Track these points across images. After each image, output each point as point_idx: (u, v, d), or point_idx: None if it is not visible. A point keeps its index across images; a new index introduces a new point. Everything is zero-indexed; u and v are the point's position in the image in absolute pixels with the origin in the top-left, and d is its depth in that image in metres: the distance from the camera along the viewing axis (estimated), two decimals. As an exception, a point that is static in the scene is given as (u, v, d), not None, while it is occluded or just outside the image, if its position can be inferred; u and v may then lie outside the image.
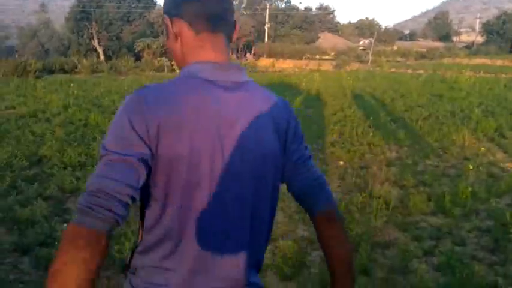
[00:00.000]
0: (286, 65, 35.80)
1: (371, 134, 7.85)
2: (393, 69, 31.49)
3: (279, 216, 4.27)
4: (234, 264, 1.00)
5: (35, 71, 19.56)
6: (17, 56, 26.96)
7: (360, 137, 7.87)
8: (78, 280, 0.79)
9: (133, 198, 0.88)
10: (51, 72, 24.42)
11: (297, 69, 31.54)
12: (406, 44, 57.64)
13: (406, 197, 4.78)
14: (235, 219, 1.00)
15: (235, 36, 1.09)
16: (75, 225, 0.83)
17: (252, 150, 0.99)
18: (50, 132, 6.74)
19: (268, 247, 3.62)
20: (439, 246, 3.72)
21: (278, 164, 1.05)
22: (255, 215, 1.02)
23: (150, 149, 0.90)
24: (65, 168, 5.17)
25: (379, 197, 4.61)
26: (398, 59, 43.24)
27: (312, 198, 1.12)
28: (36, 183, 4.49)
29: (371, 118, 8.53)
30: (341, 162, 4.66)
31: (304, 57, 38.79)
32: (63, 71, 25.61)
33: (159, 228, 0.96)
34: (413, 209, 4.49)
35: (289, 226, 4.03)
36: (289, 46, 41.70)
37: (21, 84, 15.02)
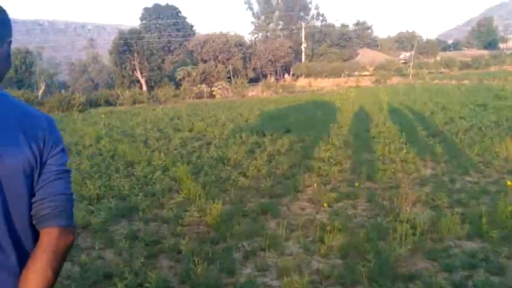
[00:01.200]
0: (324, 83, 35.41)
1: (405, 151, 7.39)
2: (436, 81, 30.29)
3: (293, 247, 3.99)
4: None
5: (79, 105, 20.40)
6: (70, 91, 28.34)
7: (393, 154, 7.44)
8: None
9: None
10: (97, 105, 25.46)
11: (335, 87, 31.09)
12: (450, 54, 55.60)
13: (437, 219, 4.34)
14: None
15: None
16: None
17: None
18: (76, 166, 6.84)
19: (275, 282, 3.39)
20: (472, 277, 3.29)
21: (30, 174, 1.11)
22: (11, 226, 1.08)
23: None
24: (81, 201, 5.16)
25: (406, 221, 4.22)
26: (442, 70, 41.68)
27: (40, 213, 1.12)
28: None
29: (403, 133, 8.06)
30: (357, 184, 4.31)
31: (342, 75, 38.25)
32: (108, 103, 26.62)
33: None
34: (445, 233, 4.06)
35: (303, 258, 3.73)
36: (327, 64, 41.32)
37: (64, 119, 15.67)
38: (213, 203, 4.91)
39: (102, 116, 13.96)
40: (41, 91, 25.98)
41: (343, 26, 53.78)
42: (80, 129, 12.39)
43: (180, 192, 5.63)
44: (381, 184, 5.81)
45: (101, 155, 8.08)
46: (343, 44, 50.29)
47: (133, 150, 8.18)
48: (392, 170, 6.39)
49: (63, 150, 1.19)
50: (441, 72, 39.44)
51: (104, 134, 10.58)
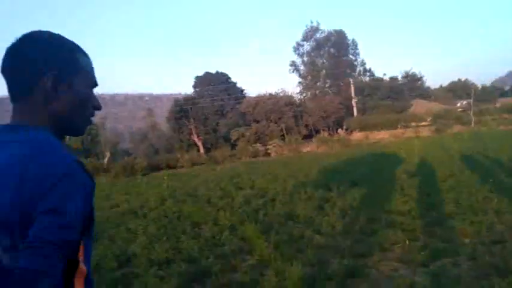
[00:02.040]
0: (381, 135, 34.44)
1: (496, 200, 6.58)
2: (501, 127, 28.57)
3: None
4: None
5: (142, 169, 21.01)
6: (133, 157, 29.46)
7: (482, 204, 6.63)
8: None
9: None
10: (159, 169, 26.17)
11: (392, 139, 30.09)
12: (510, 100, 52.81)
13: None
14: None
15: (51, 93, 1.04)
16: None
17: None
18: (143, 229, 6.65)
19: None
20: None
21: (10, 229, 0.89)
22: None
23: None
24: (151, 266, 4.85)
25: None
26: (505, 116, 39.40)
27: None
28: (119, 287, 4.18)
29: (491, 180, 7.24)
30: (467, 240, 3.67)
31: (399, 126, 37.11)
32: (169, 166, 27.30)
33: None
34: None
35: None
36: (382, 116, 40.46)
37: (129, 183, 15.98)
38: (291, 265, 4.44)
39: (165, 178, 14.10)
40: (106, 159, 27.19)
41: (392, 79, 53.20)
42: (144, 191, 12.47)
43: (253, 253, 5.20)
44: (480, 238, 5.06)
45: (166, 217, 7.89)
46: (395, 96, 49.48)
47: (199, 210, 7.94)
48: (489, 221, 5.62)
49: (55, 210, 0.86)
50: (505, 118, 37.28)
51: (167, 196, 10.51)
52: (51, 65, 1.02)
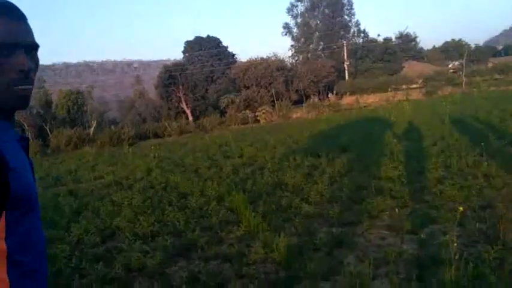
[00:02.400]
0: (371, 99, 34.28)
1: (486, 164, 6.51)
2: (492, 88, 28.52)
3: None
4: None
5: (129, 139, 20.69)
6: (119, 126, 29.07)
7: (472, 168, 6.58)
8: None
9: None
10: (146, 138, 25.89)
11: (383, 103, 29.98)
12: (503, 60, 52.60)
13: (558, 245, 3.53)
14: None
15: None
16: None
17: None
18: (128, 201, 6.52)
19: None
20: None
21: None
22: None
23: None
24: (135, 240, 4.75)
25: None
26: (496, 76, 39.30)
27: None
28: (101, 263, 4.07)
29: (482, 144, 7.15)
30: (461, 208, 3.58)
31: (389, 89, 36.90)
32: (157, 135, 27.02)
33: None
34: None
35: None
36: (372, 80, 40.17)
37: (115, 153, 15.77)
38: (279, 236, 4.35)
39: (152, 147, 13.91)
40: (92, 128, 26.78)
41: (386, 40, 52.50)
42: (130, 162, 12.30)
43: (240, 224, 5.11)
44: (469, 204, 5.01)
45: (153, 188, 7.76)
46: (388, 58, 48.97)
47: (185, 181, 7.81)
48: (478, 186, 5.56)
49: None
50: (496, 79, 37.19)
51: (154, 166, 10.36)
52: None
